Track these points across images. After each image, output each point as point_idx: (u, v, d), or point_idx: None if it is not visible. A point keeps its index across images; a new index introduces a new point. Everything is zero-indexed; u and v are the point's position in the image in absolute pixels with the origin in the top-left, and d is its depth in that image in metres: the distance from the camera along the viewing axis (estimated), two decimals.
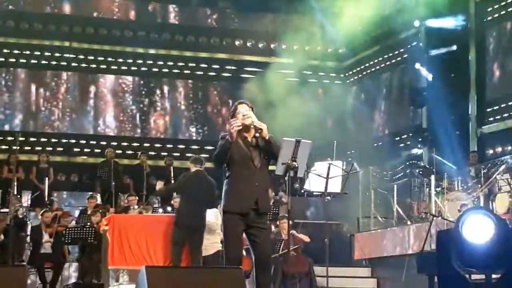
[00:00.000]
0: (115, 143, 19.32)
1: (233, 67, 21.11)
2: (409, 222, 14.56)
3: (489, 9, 17.39)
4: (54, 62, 20.20)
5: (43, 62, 20.17)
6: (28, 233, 14.74)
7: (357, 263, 15.38)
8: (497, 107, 17.03)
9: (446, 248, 6.21)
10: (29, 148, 19.18)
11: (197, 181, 12.50)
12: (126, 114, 20.76)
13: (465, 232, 6.06)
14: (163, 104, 21.08)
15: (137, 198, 15.81)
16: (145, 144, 20.27)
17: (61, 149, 19.77)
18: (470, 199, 13.78)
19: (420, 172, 15.16)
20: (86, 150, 19.96)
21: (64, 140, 19.93)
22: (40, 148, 19.04)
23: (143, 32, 20.75)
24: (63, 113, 20.30)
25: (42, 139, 19.74)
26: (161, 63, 20.89)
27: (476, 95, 17.45)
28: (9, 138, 18.89)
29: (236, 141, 7.79)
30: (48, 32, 20.15)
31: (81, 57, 20.34)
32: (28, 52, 20.01)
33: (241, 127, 7.70)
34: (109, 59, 20.54)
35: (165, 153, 19.71)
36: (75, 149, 19.93)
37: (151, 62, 20.78)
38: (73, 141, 20.00)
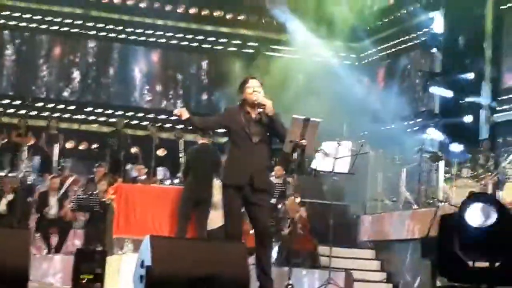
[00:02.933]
0: (122, 112, 19.36)
1: (238, 42, 20.95)
2: (415, 207, 14.54)
3: None
4: (70, 29, 20.16)
5: (63, 29, 20.12)
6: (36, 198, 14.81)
7: (362, 244, 15.38)
8: (510, 96, 16.94)
9: (449, 233, 6.22)
10: (39, 113, 19.19)
11: (202, 154, 12.56)
12: (134, 84, 20.78)
13: (467, 218, 6.06)
14: (171, 76, 21.06)
15: (145, 169, 15.83)
16: (153, 115, 20.29)
17: (71, 116, 19.80)
18: (479, 187, 13.74)
19: (429, 158, 15.11)
20: (95, 118, 20.00)
21: (74, 107, 19.95)
22: (50, 114, 19.01)
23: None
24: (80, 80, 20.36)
25: (52, 105, 19.74)
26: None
27: (490, 83, 17.34)
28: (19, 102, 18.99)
29: (238, 115, 7.87)
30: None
31: (101, 25, 20.32)
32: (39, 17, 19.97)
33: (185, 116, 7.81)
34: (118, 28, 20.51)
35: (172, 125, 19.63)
36: (85, 117, 19.96)
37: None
38: (85, 109, 20.03)
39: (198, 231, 12.44)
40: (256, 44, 20.65)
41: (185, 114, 7.87)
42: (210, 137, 12.87)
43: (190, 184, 12.54)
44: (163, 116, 20.27)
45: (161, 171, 16.67)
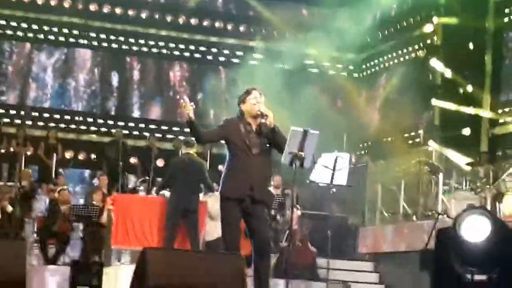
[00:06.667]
0: (121, 123, 19.40)
1: (240, 53, 20.88)
2: (414, 219, 14.50)
3: (507, 10, 17.23)
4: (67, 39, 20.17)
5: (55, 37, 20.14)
6: (34, 208, 14.79)
7: (361, 257, 15.33)
8: (510, 109, 16.92)
9: (445, 246, 6.19)
10: (38, 123, 19.17)
11: (186, 164, 12.57)
12: (130, 95, 20.77)
13: (463, 231, 6.04)
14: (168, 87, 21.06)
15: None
16: (152, 126, 20.26)
17: (70, 126, 19.78)
18: (478, 200, 13.68)
19: (428, 170, 15.06)
20: (94, 128, 19.98)
21: (75, 118, 19.93)
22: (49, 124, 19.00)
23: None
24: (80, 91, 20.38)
25: (53, 116, 19.71)
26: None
27: (490, 95, 17.32)
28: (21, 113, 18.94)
29: (237, 127, 7.83)
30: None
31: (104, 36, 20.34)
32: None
33: (190, 111, 7.69)
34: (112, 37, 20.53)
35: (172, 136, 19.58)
36: (84, 127, 19.94)
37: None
38: (82, 119, 20.01)
39: (190, 240, 12.41)
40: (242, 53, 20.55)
41: (191, 112, 7.75)
42: (192, 147, 12.85)
43: (175, 193, 12.57)
44: (163, 127, 20.26)
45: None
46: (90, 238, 13.71)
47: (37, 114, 19.14)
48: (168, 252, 7.68)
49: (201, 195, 13.42)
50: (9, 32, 19.64)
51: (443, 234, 6.50)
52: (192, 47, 20.88)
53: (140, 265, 6.54)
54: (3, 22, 19.55)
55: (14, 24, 19.61)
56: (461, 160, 16.11)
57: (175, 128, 20.07)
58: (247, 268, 7.12)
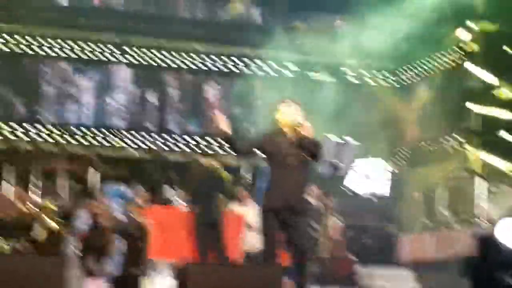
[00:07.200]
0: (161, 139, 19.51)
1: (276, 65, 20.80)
2: (455, 225, 14.41)
3: None
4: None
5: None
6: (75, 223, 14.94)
7: (401, 264, 15.26)
8: None
9: (485, 253, 6.15)
10: (79, 140, 19.38)
11: (204, 176, 12.47)
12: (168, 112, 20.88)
13: (502, 237, 6.00)
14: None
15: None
16: (190, 141, 20.33)
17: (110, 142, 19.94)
18: None
19: (468, 176, 14.97)
20: (133, 144, 20.10)
21: (114, 134, 20.08)
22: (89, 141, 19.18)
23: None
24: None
25: (93, 132, 19.89)
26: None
27: None
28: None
29: (275, 139, 7.87)
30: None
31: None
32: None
33: (223, 124, 7.72)
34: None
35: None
36: (123, 143, 20.07)
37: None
38: (121, 135, 20.13)
39: (217, 254, 12.25)
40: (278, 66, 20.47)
41: (225, 126, 7.79)
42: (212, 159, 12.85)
43: (197, 208, 12.51)
44: (202, 142, 20.35)
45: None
46: (129, 251, 13.79)
47: (76, 131, 19.27)
48: (208, 266, 7.71)
49: (237, 206, 13.42)
50: (48, 51, 19.86)
51: (483, 240, 6.45)
52: (228, 61, 20.93)
53: (181, 280, 6.58)
54: (42, 41, 19.79)
55: (52, 42, 19.82)
56: (501, 165, 16.00)
57: (213, 143, 20.14)
58: (287, 279, 7.12)
